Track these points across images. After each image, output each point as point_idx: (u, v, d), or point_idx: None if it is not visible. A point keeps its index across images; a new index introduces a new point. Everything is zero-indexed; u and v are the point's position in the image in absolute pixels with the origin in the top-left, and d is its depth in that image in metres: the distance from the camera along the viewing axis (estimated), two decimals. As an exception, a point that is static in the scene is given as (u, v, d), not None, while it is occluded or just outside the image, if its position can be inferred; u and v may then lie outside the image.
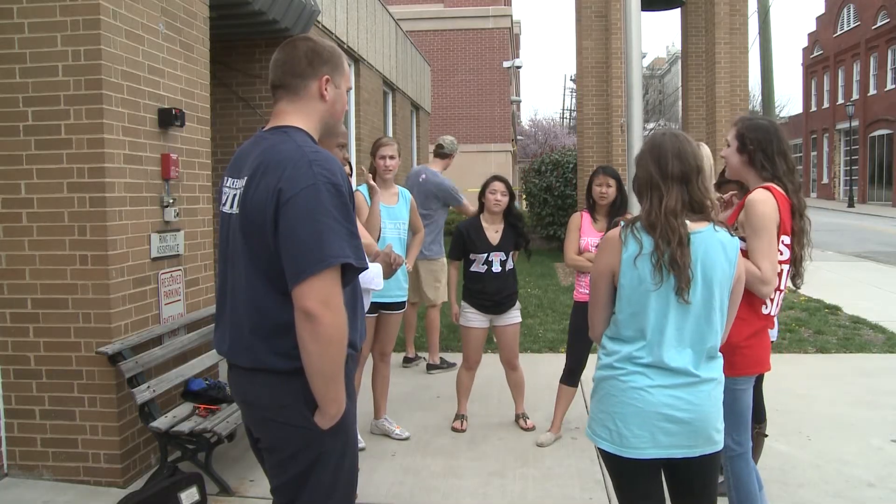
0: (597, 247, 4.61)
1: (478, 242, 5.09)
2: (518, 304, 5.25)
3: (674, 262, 2.39)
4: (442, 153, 7.12)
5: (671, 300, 2.43)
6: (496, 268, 5.06)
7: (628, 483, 2.61)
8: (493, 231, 5.12)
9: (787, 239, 3.16)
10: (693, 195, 2.47)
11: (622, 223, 2.53)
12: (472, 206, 6.58)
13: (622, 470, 2.58)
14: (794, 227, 3.18)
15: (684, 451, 2.49)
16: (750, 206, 3.07)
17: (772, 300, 3.17)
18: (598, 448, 2.60)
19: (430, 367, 6.96)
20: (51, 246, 4.19)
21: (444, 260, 6.81)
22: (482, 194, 5.16)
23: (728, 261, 2.49)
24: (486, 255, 5.06)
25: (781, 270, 3.16)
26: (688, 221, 2.45)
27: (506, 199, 5.08)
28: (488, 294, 5.08)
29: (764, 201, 3.05)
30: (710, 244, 2.46)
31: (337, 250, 2.08)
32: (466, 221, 5.31)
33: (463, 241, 5.16)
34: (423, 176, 6.94)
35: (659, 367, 2.46)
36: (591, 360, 5.09)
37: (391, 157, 5.04)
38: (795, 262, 3.24)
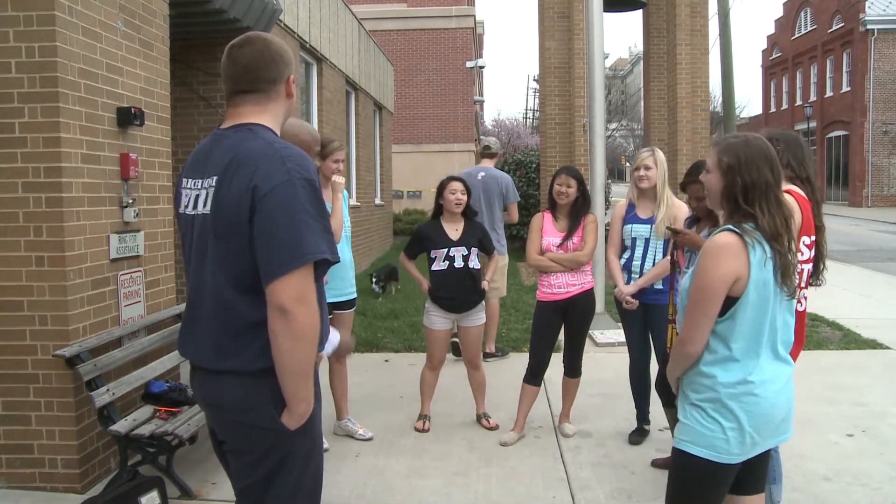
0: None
1: (437, 239, 5.12)
2: (483, 305, 5.28)
3: (789, 264, 2.46)
4: (490, 153, 7.71)
5: (780, 298, 2.49)
6: (458, 263, 5.08)
7: (723, 484, 2.56)
8: (454, 229, 5.16)
9: (807, 239, 3.21)
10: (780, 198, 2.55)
11: (730, 227, 2.47)
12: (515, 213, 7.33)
13: (729, 473, 2.54)
14: (818, 223, 3.30)
15: (778, 440, 2.57)
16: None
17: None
18: (712, 460, 2.47)
19: (486, 356, 6.94)
20: (5, 247, 4.09)
21: (506, 256, 7.57)
22: (440, 195, 5.19)
23: None
24: (446, 249, 5.08)
25: (802, 270, 3.20)
26: None
27: (465, 198, 5.14)
28: (450, 293, 5.10)
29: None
30: None
31: (314, 246, 2.08)
32: (425, 222, 5.41)
33: (420, 238, 5.22)
34: (482, 174, 7.37)
35: (774, 368, 2.51)
36: (554, 359, 5.16)
37: (343, 161, 4.96)
38: (819, 260, 3.36)
